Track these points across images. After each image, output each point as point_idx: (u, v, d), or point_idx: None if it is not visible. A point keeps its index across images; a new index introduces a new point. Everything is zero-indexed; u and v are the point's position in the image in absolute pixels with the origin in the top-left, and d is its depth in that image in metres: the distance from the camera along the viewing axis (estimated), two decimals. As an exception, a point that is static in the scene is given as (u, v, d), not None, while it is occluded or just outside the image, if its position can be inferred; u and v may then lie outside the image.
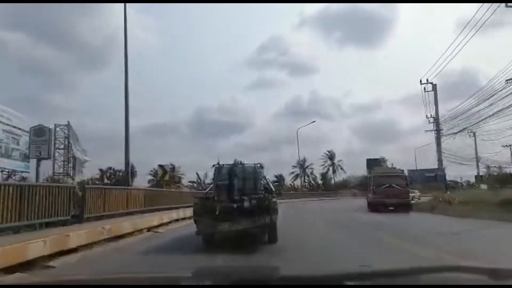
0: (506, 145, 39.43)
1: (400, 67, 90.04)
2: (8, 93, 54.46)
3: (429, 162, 63.34)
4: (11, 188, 8.26)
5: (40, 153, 28.95)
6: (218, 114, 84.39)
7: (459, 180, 62.91)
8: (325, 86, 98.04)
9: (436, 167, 72.44)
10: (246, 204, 8.00)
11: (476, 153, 33.42)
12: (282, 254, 7.49)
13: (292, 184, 63.47)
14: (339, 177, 68.69)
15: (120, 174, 64.00)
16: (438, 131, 31.09)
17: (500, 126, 26.98)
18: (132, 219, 11.25)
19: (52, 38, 72.48)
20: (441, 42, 79.71)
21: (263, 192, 9.08)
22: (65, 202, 9.89)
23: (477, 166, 43.29)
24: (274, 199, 8.67)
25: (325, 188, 63.26)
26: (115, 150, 60.98)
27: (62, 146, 31.84)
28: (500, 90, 23.90)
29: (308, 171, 66.37)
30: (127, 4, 16.84)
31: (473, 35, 23.21)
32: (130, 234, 10.04)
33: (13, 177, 26.89)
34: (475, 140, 33.52)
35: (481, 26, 22.20)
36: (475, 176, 49.41)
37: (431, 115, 31.85)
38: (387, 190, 21.69)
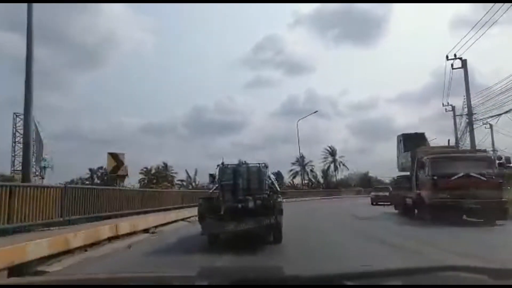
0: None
1: (396, 64, 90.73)
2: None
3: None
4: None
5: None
6: (215, 113, 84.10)
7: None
8: (321, 84, 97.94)
9: None
10: (250, 204, 7.99)
11: (493, 144, 30.58)
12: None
13: (292, 182, 60.30)
14: (341, 174, 65.92)
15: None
16: (470, 115, 24.90)
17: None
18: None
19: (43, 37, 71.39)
20: (436, 38, 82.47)
21: (268, 192, 8.98)
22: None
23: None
24: (279, 199, 8.49)
25: (327, 185, 60.23)
26: (110, 150, 60.06)
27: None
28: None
29: (307, 168, 63.06)
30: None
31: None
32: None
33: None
34: (491, 132, 30.67)
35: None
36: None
37: (448, 103, 29.11)
38: (462, 182, 12.83)
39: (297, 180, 60.44)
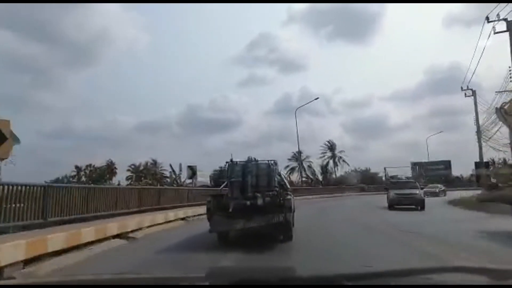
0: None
1: (390, 62, 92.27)
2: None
3: (423, 155, 60.99)
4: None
5: None
6: (209, 111, 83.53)
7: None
8: (315, 82, 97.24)
9: (438, 159, 65.99)
10: (259, 201, 7.91)
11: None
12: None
13: (288, 178, 56.56)
14: (341, 170, 62.96)
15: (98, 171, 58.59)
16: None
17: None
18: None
19: (37, 34, 71.73)
20: (430, 37, 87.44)
21: (278, 189, 8.77)
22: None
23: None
24: (288, 197, 8.36)
25: (326, 183, 56.58)
26: (104, 148, 60.63)
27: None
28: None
29: (305, 164, 58.30)
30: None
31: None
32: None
33: None
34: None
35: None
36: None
37: (467, 86, 26.40)
38: None
39: (294, 177, 55.53)
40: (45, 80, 74.42)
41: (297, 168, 56.29)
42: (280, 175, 9.89)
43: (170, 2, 74.52)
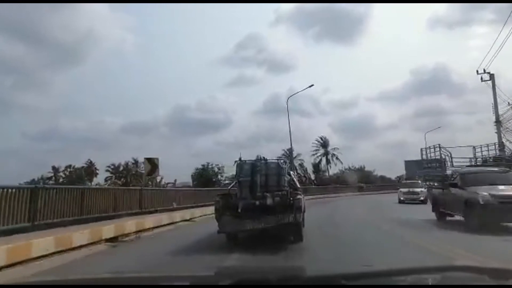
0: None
1: (377, 62, 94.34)
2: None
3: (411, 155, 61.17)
4: None
5: None
6: (197, 112, 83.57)
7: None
8: (303, 82, 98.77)
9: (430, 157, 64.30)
10: (269, 201, 7.82)
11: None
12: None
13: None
14: (334, 168, 60.13)
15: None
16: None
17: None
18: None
19: (22, 35, 70.84)
20: (414, 38, 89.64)
21: (288, 189, 8.54)
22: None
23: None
24: (299, 196, 8.10)
25: (320, 182, 53.04)
26: (91, 150, 59.97)
27: None
28: None
29: (296, 162, 55.83)
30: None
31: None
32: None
33: None
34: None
35: None
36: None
37: (484, 70, 23.44)
38: None
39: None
40: (30, 81, 74.17)
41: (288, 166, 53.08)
42: (290, 174, 9.65)
43: (157, 2, 73.63)
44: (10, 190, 8.53)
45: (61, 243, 7.31)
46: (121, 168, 45.04)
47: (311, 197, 30.09)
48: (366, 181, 51.99)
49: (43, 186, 11.25)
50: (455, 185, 11.10)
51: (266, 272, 2.21)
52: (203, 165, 42.32)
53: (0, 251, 5.84)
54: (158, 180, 42.14)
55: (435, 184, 14.37)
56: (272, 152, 57.81)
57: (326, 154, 58.16)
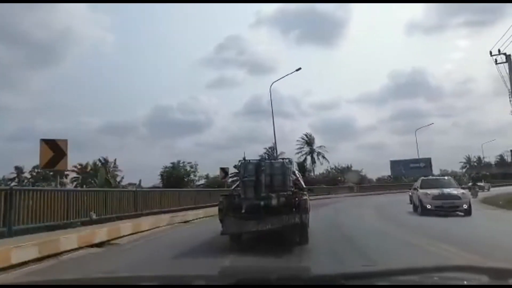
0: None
1: (356, 65, 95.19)
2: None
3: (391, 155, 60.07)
4: None
5: None
6: (178, 113, 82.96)
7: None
8: (284, 84, 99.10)
9: (417, 157, 61.47)
10: (273, 201, 7.71)
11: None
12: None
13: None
14: (320, 167, 57.34)
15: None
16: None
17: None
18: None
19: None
20: (392, 42, 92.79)
21: (293, 189, 8.44)
22: None
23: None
24: (304, 197, 7.97)
25: (306, 182, 50.06)
26: (68, 151, 55.10)
27: None
28: None
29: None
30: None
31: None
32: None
33: None
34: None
35: None
36: None
37: (499, 51, 21.23)
38: None
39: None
40: (5, 81, 69.95)
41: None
42: (295, 174, 9.60)
43: (137, 2, 71.70)
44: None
45: None
46: (89, 168, 40.90)
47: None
48: (361, 181, 49.25)
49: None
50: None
51: (268, 272, 2.14)
52: (172, 163, 38.45)
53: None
54: (118, 180, 38.02)
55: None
56: (254, 154, 54.93)
57: (311, 152, 55.25)
